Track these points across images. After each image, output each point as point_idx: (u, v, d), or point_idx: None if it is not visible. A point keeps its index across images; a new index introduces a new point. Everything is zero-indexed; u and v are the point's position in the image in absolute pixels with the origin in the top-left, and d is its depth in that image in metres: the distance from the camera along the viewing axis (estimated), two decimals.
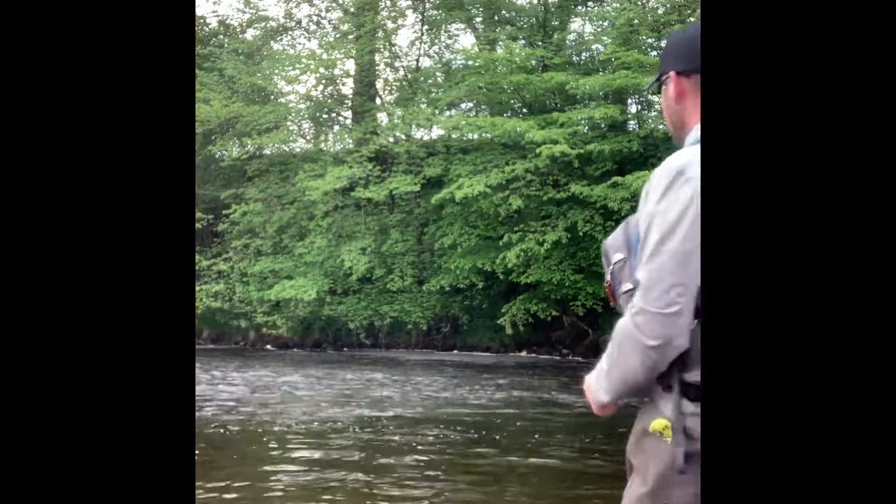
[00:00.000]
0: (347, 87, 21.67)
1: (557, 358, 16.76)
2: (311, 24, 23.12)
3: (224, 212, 19.88)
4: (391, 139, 19.08)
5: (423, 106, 19.28)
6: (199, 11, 23.34)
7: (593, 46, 18.95)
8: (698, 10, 14.52)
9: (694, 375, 1.62)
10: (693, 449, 1.61)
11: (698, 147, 1.62)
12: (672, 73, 1.85)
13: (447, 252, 17.42)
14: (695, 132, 1.74)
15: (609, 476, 5.66)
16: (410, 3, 21.21)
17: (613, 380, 1.71)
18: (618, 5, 17.30)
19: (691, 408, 1.63)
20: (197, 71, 18.21)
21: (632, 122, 18.51)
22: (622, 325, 1.66)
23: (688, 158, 1.64)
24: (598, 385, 1.77)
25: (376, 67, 21.60)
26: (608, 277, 1.79)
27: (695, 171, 1.59)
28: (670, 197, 1.61)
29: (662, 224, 1.60)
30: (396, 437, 7.28)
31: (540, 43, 18.40)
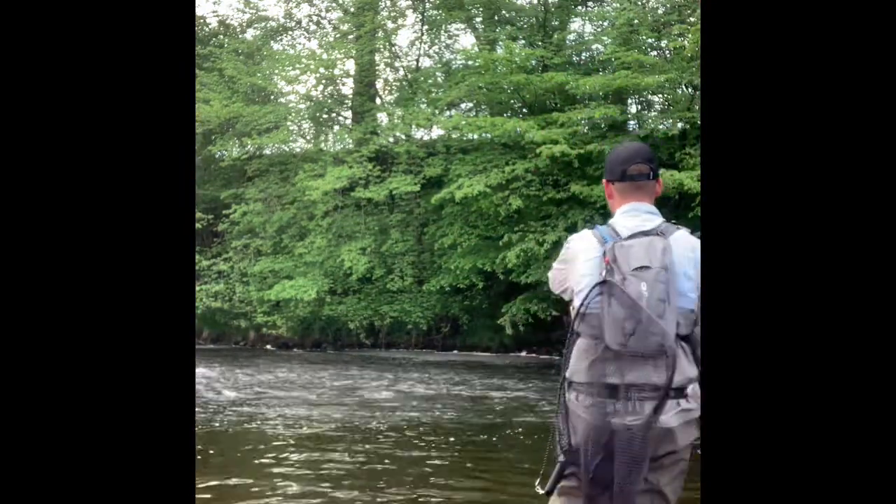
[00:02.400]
0: (347, 87, 21.68)
1: (557, 358, 16.76)
2: (311, 24, 23.14)
3: (224, 212, 19.87)
4: (391, 139, 19.06)
5: (423, 106, 19.26)
6: (199, 11, 23.32)
7: (593, 46, 18.93)
8: (698, 10, 14.50)
9: (569, 373, 2.40)
10: (574, 439, 2.36)
11: (604, 226, 2.53)
12: (605, 180, 2.66)
13: (447, 252, 17.40)
14: (614, 218, 2.58)
15: None
16: (410, 3, 21.21)
17: None
18: (618, 5, 17.29)
19: (572, 397, 2.38)
20: (197, 71, 18.18)
21: (632, 122, 18.49)
22: None
23: (580, 234, 2.59)
24: None
25: (376, 67, 21.59)
26: None
27: (574, 241, 2.57)
28: (561, 252, 2.66)
29: (556, 262, 2.68)
30: (401, 440, 7.28)
31: (540, 43, 18.37)
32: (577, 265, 2.49)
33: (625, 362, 2.26)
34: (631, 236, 2.41)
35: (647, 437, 2.23)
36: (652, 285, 2.28)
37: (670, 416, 2.26)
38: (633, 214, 2.50)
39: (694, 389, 2.28)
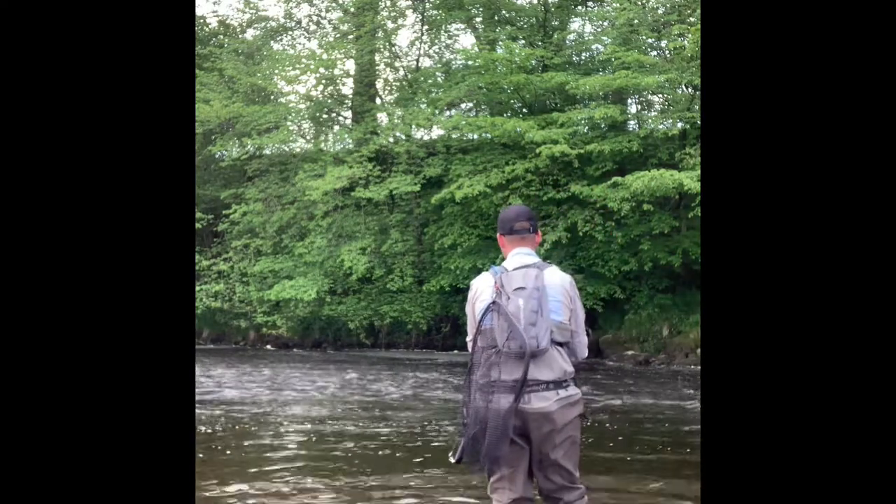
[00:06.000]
0: (347, 87, 21.66)
1: None
2: (311, 24, 23.13)
3: (224, 212, 19.88)
4: (391, 139, 19.04)
5: (423, 106, 19.25)
6: (199, 11, 23.32)
7: (593, 46, 18.93)
8: (698, 10, 14.49)
9: (473, 374, 3.11)
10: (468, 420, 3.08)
11: (494, 270, 3.27)
12: (498, 234, 3.41)
13: (447, 252, 17.40)
14: (505, 261, 3.34)
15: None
16: (410, 3, 21.20)
17: None
18: (618, 5, 17.27)
19: (474, 393, 3.07)
20: (197, 71, 18.17)
21: (632, 122, 18.49)
22: None
23: (480, 275, 3.36)
24: None
25: (376, 67, 21.58)
26: None
27: (476, 281, 3.34)
28: (468, 295, 3.36)
29: (466, 306, 3.39)
30: (398, 440, 7.28)
31: (540, 43, 18.37)
32: (480, 296, 3.24)
33: (503, 363, 3.02)
34: (515, 269, 3.23)
35: (509, 417, 2.99)
36: (526, 301, 3.10)
37: (550, 403, 3.05)
38: (518, 256, 3.31)
39: (572, 379, 3.12)
